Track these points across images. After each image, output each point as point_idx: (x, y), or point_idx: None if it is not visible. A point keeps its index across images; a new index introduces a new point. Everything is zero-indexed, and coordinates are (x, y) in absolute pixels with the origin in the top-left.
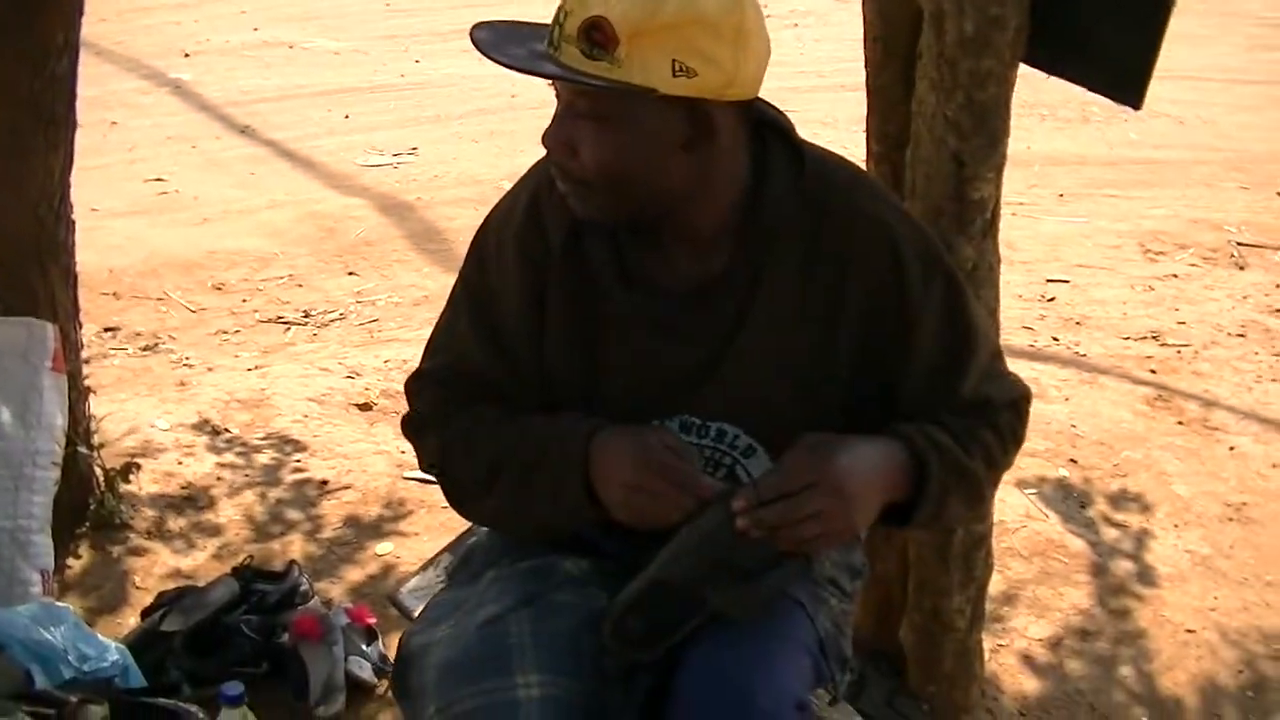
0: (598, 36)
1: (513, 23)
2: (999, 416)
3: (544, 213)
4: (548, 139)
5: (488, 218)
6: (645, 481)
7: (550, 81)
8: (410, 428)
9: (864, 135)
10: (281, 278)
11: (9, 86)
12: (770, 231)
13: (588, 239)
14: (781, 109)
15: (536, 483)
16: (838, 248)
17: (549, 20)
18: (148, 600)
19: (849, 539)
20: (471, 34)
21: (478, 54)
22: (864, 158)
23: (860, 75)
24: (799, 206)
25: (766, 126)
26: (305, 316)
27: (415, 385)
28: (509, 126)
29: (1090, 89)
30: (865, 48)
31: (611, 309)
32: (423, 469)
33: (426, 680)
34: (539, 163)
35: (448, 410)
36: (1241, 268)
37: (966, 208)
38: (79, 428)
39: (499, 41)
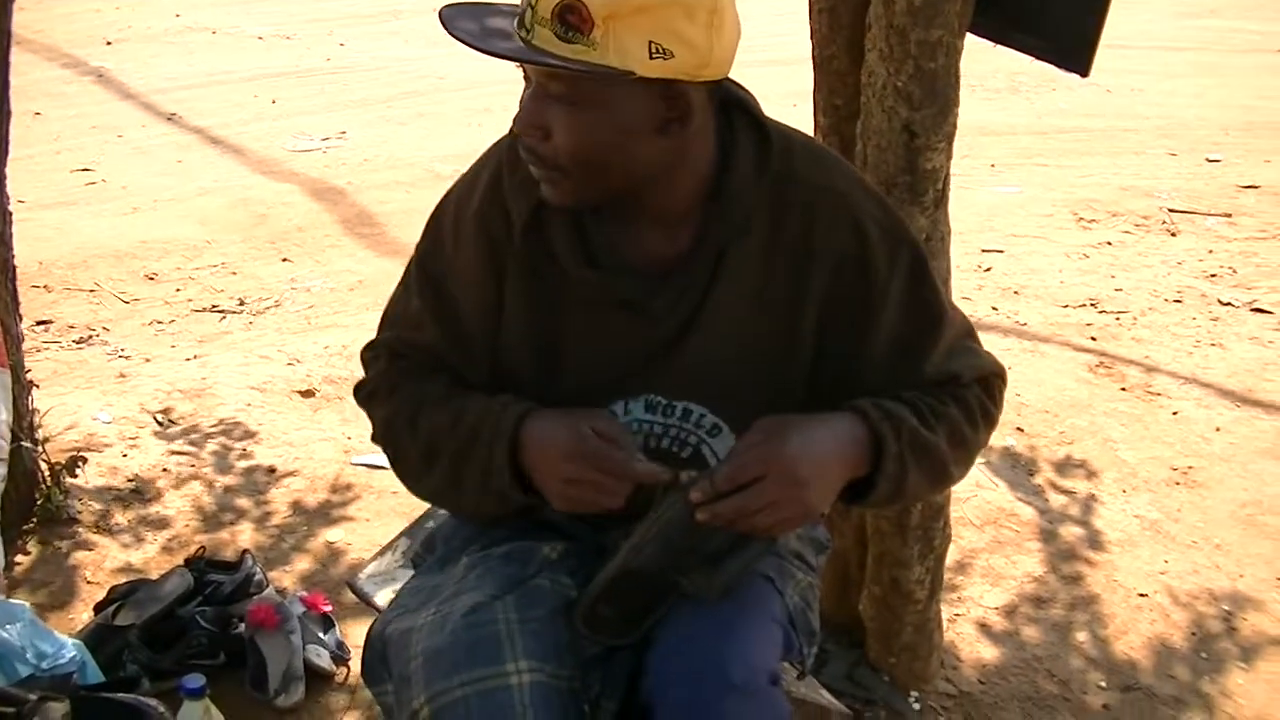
0: (572, 19)
1: (478, 3)
2: (967, 392)
3: (506, 191)
4: (519, 122)
5: (446, 195)
6: (580, 472)
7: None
8: (361, 396)
9: (795, 110)
10: (214, 266)
11: None
12: (735, 210)
13: (550, 218)
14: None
15: (468, 467)
16: (803, 226)
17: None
18: (99, 595)
19: (809, 522)
20: (441, 15)
21: (451, 39)
22: (810, 132)
23: (791, 49)
24: (764, 185)
25: (732, 104)
26: (240, 304)
27: (369, 354)
28: (437, 108)
29: (1037, 57)
30: (811, 19)
31: (574, 288)
32: (372, 439)
33: (411, 669)
34: (499, 141)
35: (396, 381)
36: (1173, 234)
37: (919, 178)
38: (23, 422)
39: (465, 22)
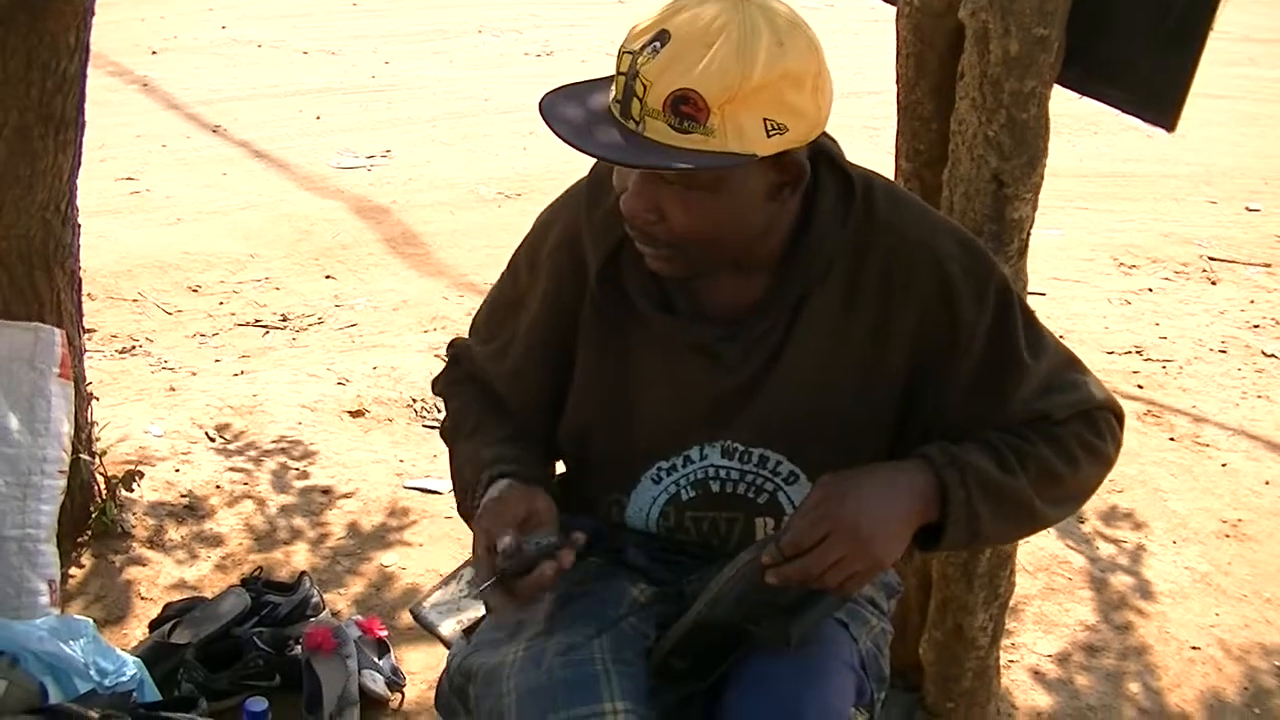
0: (687, 109)
1: (580, 82)
2: (1061, 430)
3: (583, 235)
4: (628, 207)
5: (529, 233)
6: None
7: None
8: (436, 389)
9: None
10: (258, 280)
11: (19, 88)
12: (816, 258)
13: (627, 263)
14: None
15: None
16: (884, 274)
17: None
18: (153, 611)
19: (878, 575)
20: (542, 107)
21: (558, 139)
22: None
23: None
24: (846, 233)
25: (818, 152)
26: (283, 320)
27: (449, 351)
28: (482, 129)
29: (1122, 110)
30: (897, 65)
31: (651, 335)
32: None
33: (505, 704)
34: (578, 184)
35: (453, 390)
36: (1214, 283)
37: (1005, 227)
38: (81, 435)
39: (567, 108)
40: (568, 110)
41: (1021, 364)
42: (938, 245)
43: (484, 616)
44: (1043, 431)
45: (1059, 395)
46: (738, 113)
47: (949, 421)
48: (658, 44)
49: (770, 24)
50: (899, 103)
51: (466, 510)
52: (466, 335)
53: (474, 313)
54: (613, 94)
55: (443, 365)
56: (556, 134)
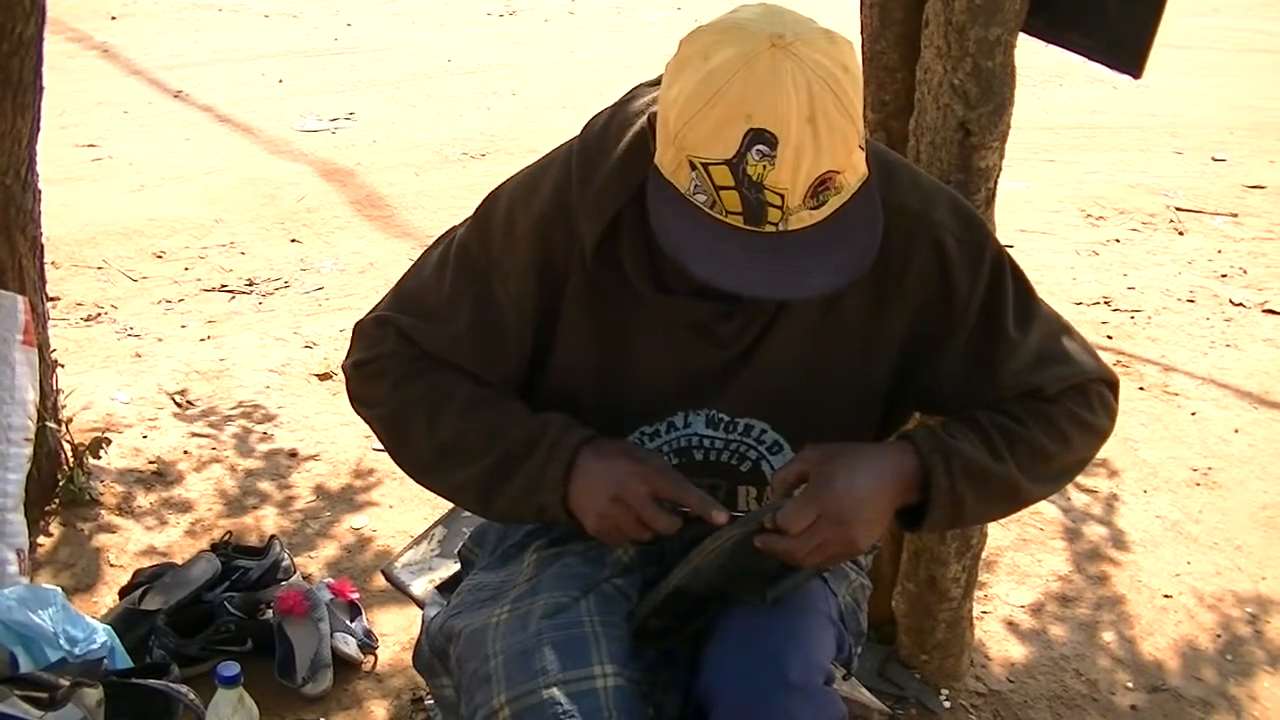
0: (825, 186)
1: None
2: (1052, 407)
3: (574, 205)
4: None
5: (499, 190)
6: (614, 513)
7: None
8: (364, 371)
9: None
10: (223, 245)
11: None
12: None
13: (622, 238)
14: None
15: (512, 475)
16: (881, 248)
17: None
18: (122, 578)
19: (855, 556)
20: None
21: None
22: None
23: None
24: None
25: None
26: (249, 285)
27: (376, 330)
28: (446, 90)
29: (1089, 58)
30: (861, 14)
31: (646, 310)
32: (355, 408)
33: (491, 667)
34: (568, 144)
35: (409, 368)
36: (1181, 233)
37: (972, 176)
38: (47, 402)
39: (750, 275)
40: (754, 275)
41: (1008, 337)
42: (933, 217)
43: (457, 574)
44: (1034, 409)
45: (1051, 368)
46: (852, 155)
47: (942, 393)
48: (763, 147)
49: (824, 53)
50: (863, 53)
51: (536, 475)
52: (389, 311)
53: (400, 288)
54: (709, 205)
55: (368, 340)
56: (746, 290)
